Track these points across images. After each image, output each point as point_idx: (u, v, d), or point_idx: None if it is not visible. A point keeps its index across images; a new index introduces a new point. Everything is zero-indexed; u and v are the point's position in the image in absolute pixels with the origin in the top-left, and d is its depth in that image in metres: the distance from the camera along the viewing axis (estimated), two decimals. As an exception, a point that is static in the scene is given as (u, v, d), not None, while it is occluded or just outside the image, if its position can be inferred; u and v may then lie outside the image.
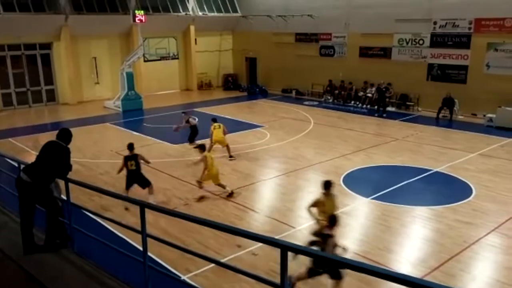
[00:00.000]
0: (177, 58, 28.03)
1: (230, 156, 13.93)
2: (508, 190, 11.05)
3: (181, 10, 26.96)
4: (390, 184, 11.61)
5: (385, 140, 16.12)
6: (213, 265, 7.42)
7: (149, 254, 5.05)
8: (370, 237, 9.13)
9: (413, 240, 9.08)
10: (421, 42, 20.73)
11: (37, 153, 5.82)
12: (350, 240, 9.09)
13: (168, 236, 8.42)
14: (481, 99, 18.59)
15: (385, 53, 22.11)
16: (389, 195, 10.98)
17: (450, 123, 18.67)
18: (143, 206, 4.87)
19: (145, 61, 25.77)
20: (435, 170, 12.72)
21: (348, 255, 8.24)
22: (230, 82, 29.05)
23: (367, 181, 12.16)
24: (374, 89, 21.78)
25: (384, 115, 20.15)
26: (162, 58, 27.33)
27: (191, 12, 27.21)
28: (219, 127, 14.05)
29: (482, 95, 18.57)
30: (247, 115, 20.93)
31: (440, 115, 19.39)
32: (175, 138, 16.74)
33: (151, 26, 24.27)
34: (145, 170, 13.29)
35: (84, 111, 22.00)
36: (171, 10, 26.59)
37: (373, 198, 10.85)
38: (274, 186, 12.27)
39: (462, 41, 19.42)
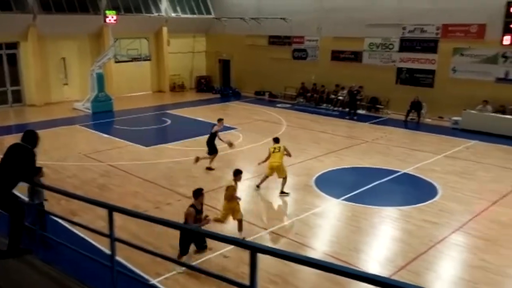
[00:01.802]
0: (149, 60, 27.74)
1: (282, 192, 11.28)
2: (472, 191, 11.42)
3: (153, 11, 26.71)
4: (360, 185, 11.82)
5: (356, 142, 16.39)
6: (184, 268, 7.40)
7: (118, 258, 5.00)
8: (341, 238, 9.28)
9: (381, 240, 9.27)
10: (390, 46, 21.20)
11: (1, 156, 5.67)
12: (321, 241, 9.24)
13: (138, 240, 8.32)
14: (447, 102, 19.14)
15: (356, 57, 22.49)
16: (359, 196, 11.17)
17: (418, 126, 19.14)
18: (111, 209, 4.81)
19: (116, 62, 25.38)
20: (403, 171, 13.02)
21: (318, 256, 8.36)
22: (203, 84, 28.94)
23: (338, 183, 12.34)
24: (345, 92, 22.13)
25: (355, 117, 20.50)
26: (134, 59, 26.99)
27: (163, 13, 27.00)
28: (279, 149, 11.25)
29: (448, 98, 19.12)
30: (220, 117, 20.84)
31: (409, 118, 19.85)
32: (147, 140, 16.60)
33: (122, 26, 23.96)
34: (114, 174, 13.14)
35: (52, 113, 21.49)
36: (143, 10, 26.32)
37: (343, 199, 11.02)
38: (246, 188, 12.27)
39: (429, 46, 19.97)
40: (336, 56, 23.30)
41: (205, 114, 21.40)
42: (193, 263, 7.68)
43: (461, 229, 9.36)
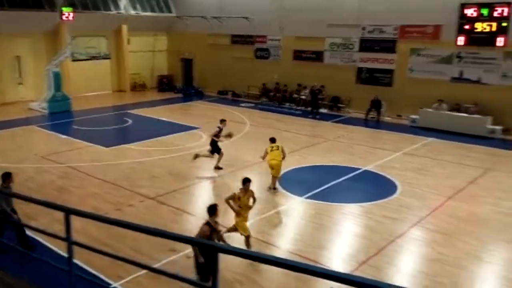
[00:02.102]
0: (109, 58, 27.07)
1: (274, 188, 11.50)
2: (430, 187, 11.80)
3: (112, 9, 26.08)
4: (323, 183, 11.97)
5: (318, 141, 16.61)
6: (146, 270, 7.26)
7: (77, 262, 4.83)
8: (304, 235, 9.37)
9: (344, 236, 9.42)
10: (351, 46, 21.61)
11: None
12: (285, 239, 9.29)
13: (99, 242, 8.10)
14: (405, 101, 19.70)
15: (318, 56, 22.79)
16: (322, 194, 11.32)
17: (377, 124, 19.61)
18: (68, 212, 4.63)
19: (73, 60, 24.61)
20: (364, 169, 13.30)
21: (283, 254, 8.41)
22: (164, 84, 28.53)
23: (301, 181, 12.45)
24: (307, 91, 22.39)
25: (318, 116, 20.77)
26: (92, 57, 26.27)
27: (123, 11, 26.39)
28: (277, 148, 11.47)
29: (406, 97, 19.69)
30: (182, 117, 20.68)
31: (369, 116, 20.32)
32: (108, 141, 16.19)
33: (80, 24, 23.27)
34: (73, 176, 12.74)
35: (7, 113, 20.58)
36: (101, 8, 25.64)
37: (307, 197, 11.13)
38: (210, 188, 12.22)
39: (388, 46, 20.49)
40: (298, 55, 23.53)
41: (168, 114, 21.12)
42: (156, 265, 7.55)
43: (419, 223, 9.65)
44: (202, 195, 11.82)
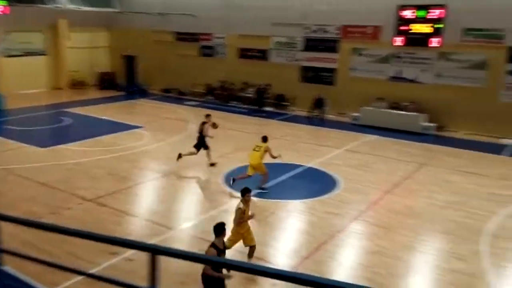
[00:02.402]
0: (45, 54, 25.78)
1: (262, 188, 11.39)
2: (370, 182, 12.22)
3: (49, 2, 24.82)
4: (268, 181, 12.05)
5: (263, 138, 16.70)
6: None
7: (7, 269, 4.55)
8: (249, 233, 9.39)
9: (287, 233, 9.55)
10: (295, 45, 21.94)
11: None
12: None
13: (33, 248, 7.69)
14: (347, 99, 20.30)
15: (263, 55, 22.96)
16: (267, 192, 11.40)
17: (321, 122, 20.06)
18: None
19: (6, 56, 23.22)
20: (308, 166, 13.55)
21: (229, 252, 8.38)
22: (106, 81, 27.58)
23: (246, 179, 12.46)
24: (253, 89, 22.51)
25: (264, 115, 20.93)
26: (27, 53, 24.90)
27: (60, 5, 25.22)
28: (259, 149, 11.24)
29: (348, 95, 20.30)
30: (125, 115, 20.10)
31: (312, 114, 20.75)
32: (43, 141, 15.43)
33: (14, 18, 22.00)
34: (6, 178, 12.05)
35: None
36: (37, 1, 24.35)
37: (252, 195, 11.14)
38: (153, 188, 11.97)
39: (331, 46, 21.00)
40: (244, 54, 23.58)
41: (109, 112, 20.45)
42: (95, 270, 7.29)
43: (360, 218, 9.97)
44: (146, 196, 11.56)
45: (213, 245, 6.21)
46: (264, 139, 11.63)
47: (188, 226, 9.52)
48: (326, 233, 9.16)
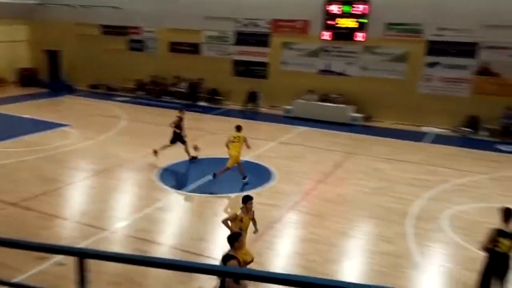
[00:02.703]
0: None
1: (244, 178, 11.54)
2: (303, 172, 12.57)
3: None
4: (204, 176, 12.03)
5: (200, 134, 16.56)
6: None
7: None
8: (186, 229, 9.34)
9: (224, 227, 9.55)
10: (227, 39, 21.93)
11: None
12: (167, 235, 9.14)
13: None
14: (280, 92, 20.67)
15: (195, 48, 22.71)
16: (203, 187, 11.38)
17: (255, 115, 20.27)
18: None
19: None
20: (244, 159, 13.63)
21: (165, 250, 8.28)
22: (27, 78, 25.88)
23: (182, 175, 12.38)
24: (186, 84, 22.23)
25: (197, 109, 20.76)
26: None
27: (-28, -4, 23.25)
28: (238, 139, 11.38)
29: (280, 89, 20.66)
30: (50, 113, 19.02)
31: (246, 108, 20.92)
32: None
33: None
34: None
35: None
36: None
37: (188, 191, 11.10)
38: (83, 189, 11.47)
39: (262, 40, 21.24)
40: (175, 48, 23.18)
41: (32, 110, 19.27)
42: (21, 278, 6.89)
43: (294, 208, 10.25)
44: (76, 197, 11.05)
45: (231, 256, 5.69)
46: (238, 128, 11.71)
47: (122, 226, 9.24)
48: (263, 224, 9.27)
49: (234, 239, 5.83)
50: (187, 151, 13.21)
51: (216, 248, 8.54)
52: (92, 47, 24.79)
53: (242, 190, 11.17)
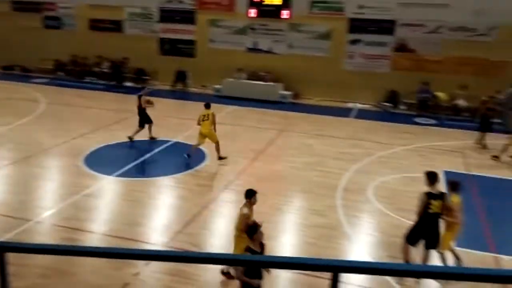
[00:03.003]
0: None
1: (220, 157, 11.47)
2: (236, 151, 12.57)
3: None
4: (134, 159, 11.71)
5: (126, 115, 15.96)
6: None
7: None
8: (117, 214, 9.06)
9: (158, 209, 9.42)
10: (151, 16, 21.13)
11: None
12: (98, 222, 8.81)
13: None
14: (209, 71, 20.39)
15: (117, 26, 21.67)
16: (134, 170, 11.08)
17: (184, 95, 19.92)
18: None
19: None
20: (175, 140, 13.43)
21: (97, 237, 7.99)
22: None
23: (110, 159, 11.89)
24: (109, 64, 21.22)
25: (123, 90, 19.95)
26: None
27: None
28: (208, 117, 11.33)
29: (209, 67, 20.37)
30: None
31: (175, 88, 20.48)
32: None
33: None
34: None
35: None
36: None
37: (118, 175, 10.72)
38: (2, 178, 10.67)
39: (188, 17, 20.71)
40: (96, 25, 21.95)
41: None
42: None
43: (229, 187, 10.30)
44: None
45: (248, 249, 5.61)
46: (207, 106, 11.69)
47: (47, 215, 8.76)
48: (198, 205, 9.27)
49: (254, 231, 5.71)
50: (150, 131, 13.24)
51: (150, 231, 8.40)
52: (2, 25, 22.74)
53: (175, 172, 11.01)
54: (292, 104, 18.73)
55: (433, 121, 16.57)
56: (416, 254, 7.22)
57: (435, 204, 6.80)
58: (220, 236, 8.40)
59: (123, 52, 20.95)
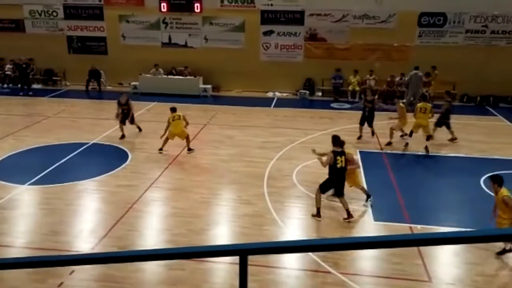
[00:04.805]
0: None
1: (189, 149, 11.95)
2: (158, 148, 12.28)
3: None
4: (49, 165, 10.99)
5: (36, 119, 15.01)
6: None
7: None
8: (35, 225, 8.49)
9: (79, 215, 8.93)
10: (55, 14, 19.87)
11: None
12: (14, 235, 8.17)
13: None
14: (124, 68, 19.66)
15: (18, 25, 20.13)
16: (49, 176, 10.40)
17: (100, 95, 19.05)
18: None
19: None
20: (92, 142, 12.83)
21: (16, 251, 7.44)
22: None
23: (22, 167, 11.06)
24: (12, 66, 19.67)
25: (30, 93, 18.61)
26: None
27: None
28: (179, 117, 11.83)
29: (124, 64, 19.65)
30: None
31: (89, 87, 19.53)
32: None
33: None
34: None
35: None
36: None
37: (31, 184, 10.01)
38: None
39: (95, 13, 19.76)
40: (-8, 25, 20.22)
41: None
42: None
43: (154, 185, 10.05)
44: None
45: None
46: (173, 109, 12.07)
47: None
48: (122, 207, 8.94)
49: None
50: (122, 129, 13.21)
51: (72, 239, 7.97)
52: None
53: (96, 174, 10.52)
54: (213, 97, 18.68)
55: (347, 106, 17.41)
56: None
57: (341, 159, 8.40)
58: (150, 235, 8.20)
59: (27, 53, 19.56)
